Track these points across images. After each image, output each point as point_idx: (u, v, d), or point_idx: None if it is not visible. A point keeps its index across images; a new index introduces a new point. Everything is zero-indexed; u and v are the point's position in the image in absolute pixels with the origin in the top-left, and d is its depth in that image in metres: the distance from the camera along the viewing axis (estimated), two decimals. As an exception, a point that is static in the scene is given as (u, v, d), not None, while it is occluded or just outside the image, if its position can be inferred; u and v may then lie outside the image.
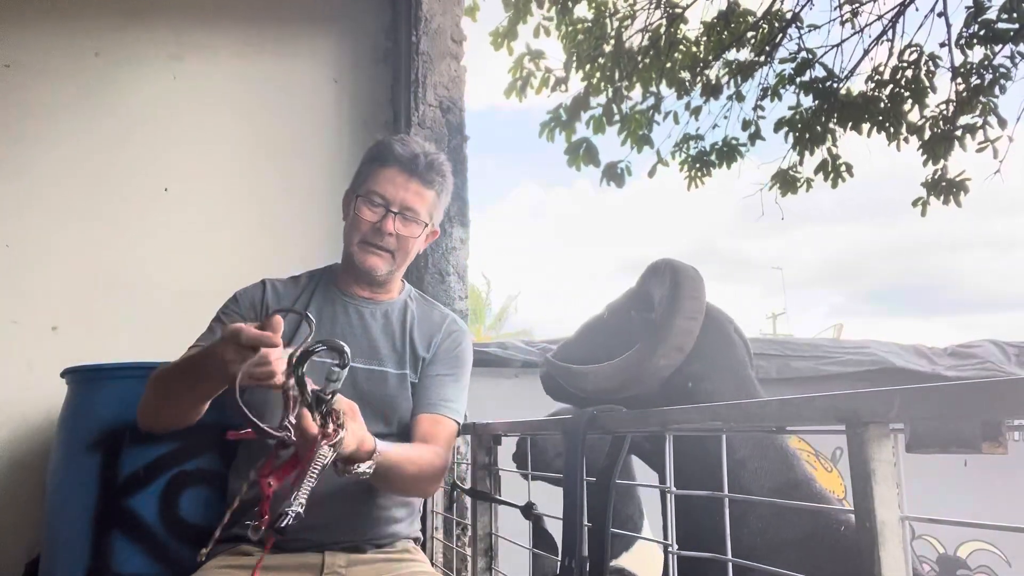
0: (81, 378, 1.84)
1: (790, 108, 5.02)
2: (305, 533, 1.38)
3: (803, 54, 4.84)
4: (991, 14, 4.26)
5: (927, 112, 4.69)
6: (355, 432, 1.16)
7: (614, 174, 4.94)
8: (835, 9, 4.81)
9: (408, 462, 1.36)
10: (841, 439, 0.75)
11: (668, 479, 1.03)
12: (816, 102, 4.86)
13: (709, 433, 1.03)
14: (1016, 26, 4.16)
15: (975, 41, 4.32)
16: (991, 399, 0.61)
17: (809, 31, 4.87)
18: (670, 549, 1.01)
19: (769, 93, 5.02)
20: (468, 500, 1.77)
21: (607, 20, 4.97)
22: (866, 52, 4.76)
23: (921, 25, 4.61)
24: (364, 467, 1.20)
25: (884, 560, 0.68)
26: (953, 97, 4.59)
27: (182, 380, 1.30)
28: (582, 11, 5.12)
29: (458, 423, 1.57)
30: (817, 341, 3.71)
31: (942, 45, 4.52)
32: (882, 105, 4.69)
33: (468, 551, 1.76)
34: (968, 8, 4.30)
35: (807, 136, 4.92)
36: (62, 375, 1.87)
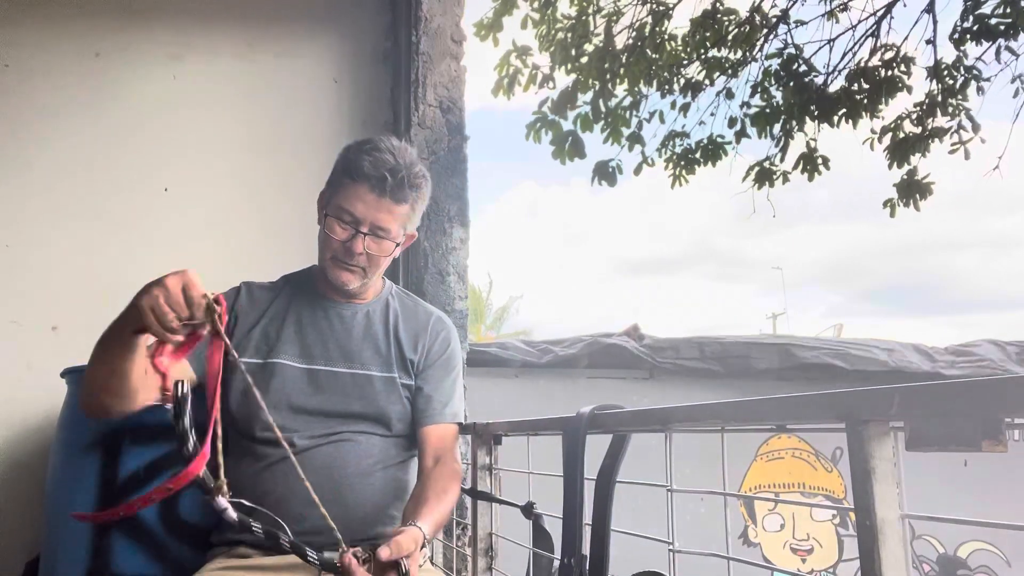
0: (81, 378, 1.84)
1: (762, 100, 5.01)
2: (304, 535, 1.38)
3: (790, 50, 4.84)
4: (987, 8, 4.28)
5: (898, 111, 4.71)
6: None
7: (605, 173, 4.93)
8: (820, 2, 4.82)
9: (445, 510, 1.40)
10: (841, 438, 0.75)
11: (668, 478, 1.03)
12: (795, 96, 4.86)
13: (709, 431, 1.03)
14: (1008, 20, 4.17)
15: (968, 37, 4.33)
16: (991, 397, 0.61)
17: (796, 27, 4.87)
18: (671, 548, 1.01)
19: (758, 90, 5.01)
20: (468, 500, 1.77)
21: (590, 18, 4.94)
22: (851, 50, 4.77)
23: (916, 22, 4.62)
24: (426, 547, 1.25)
25: (884, 558, 0.68)
26: (926, 99, 4.61)
27: (108, 336, 1.29)
28: (565, 7, 5.10)
29: (462, 422, 1.60)
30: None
31: (928, 42, 4.53)
32: (855, 98, 4.69)
33: (468, 551, 1.76)
34: (966, 1, 4.31)
35: (773, 126, 4.92)
36: (62, 375, 1.87)
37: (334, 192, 1.46)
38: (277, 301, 1.54)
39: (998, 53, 4.42)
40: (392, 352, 1.53)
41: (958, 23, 4.38)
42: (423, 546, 1.23)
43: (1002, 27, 4.24)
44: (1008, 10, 4.19)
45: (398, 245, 1.49)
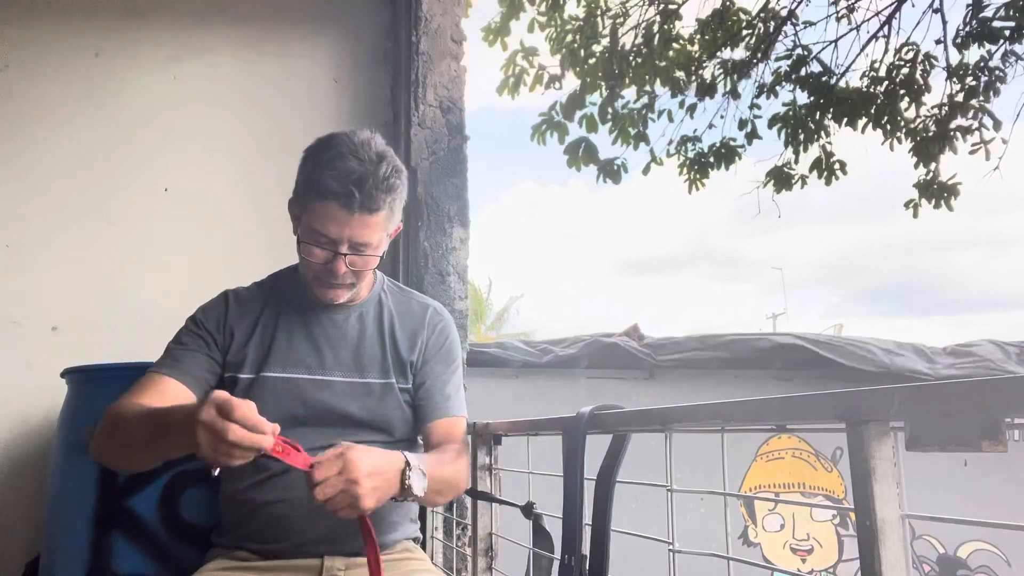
0: (81, 378, 1.84)
1: (784, 105, 5.01)
2: (304, 542, 1.37)
3: (799, 51, 4.84)
4: (990, 12, 4.27)
5: (922, 111, 4.69)
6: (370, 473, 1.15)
7: (610, 171, 4.93)
8: (831, 4, 4.81)
9: (450, 467, 1.35)
10: (841, 439, 0.75)
11: (668, 478, 1.03)
12: (811, 98, 4.86)
13: (709, 431, 1.03)
14: (1012, 24, 4.16)
15: (971, 40, 4.32)
16: (991, 397, 0.61)
17: (804, 27, 4.87)
18: (671, 548, 1.01)
19: (766, 91, 5.01)
20: (468, 500, 1.78)
21: (598, 19, 4.95)
22: (862, 49, 4.76)
23: (919, 22, 4.62)
24: (416, 483, 1.20)
25: (884, 558, 0.69)
26: (946, 100, 4.59)
27: (149, 434, 1.19)
28: (573, 9, 5.11)
29: (465, 416, 1.54)
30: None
31: (938, 42, 4.53)
32: (878, 102, 4.69)
33: (468, 551, 1.76)
34: (968, 5, 4.30)
35: (799, 132, 4.92)
36: (62, 375, 1.87)
37: (304, 209, 1.37)
38: (267, 309, 1.47)
39: (1004, 57, 4.41)
40: (389, 356, 1.46)
41: (960, 27, 4.37)
42: (410, 467, 1.20)
43: (1007, 31, 4.23)
44: (1013, 13, 4.18)
45: (381, 255, 1.40)
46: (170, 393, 1.33)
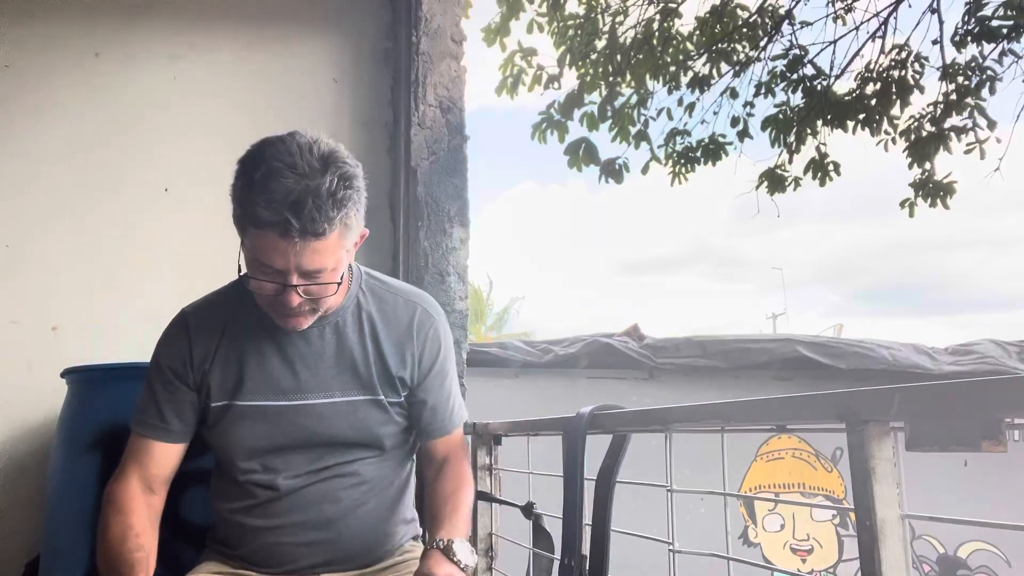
0: (81, 378, 1.84)
1: (775, 106, 5.02)
2: (301, 567, 1.35)
3: (795, 51, 4.84)
4: (989, 10, 4.27)
5: (912, 112, 4.70)
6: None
7: (612, 170, 4.94)
8: (828, 4, 4.82)
9: (467, 504, 1.35)
10: (841, 439, 0.75)
11: (668, 478, 1.03)
12: (804, 100, 4.87)
13: (710, 432, 1.03)
14: (1011, 23, 4.16)
15: (969, 39, 4.32)
16: (991, 397, 0.61)
17: (801, 27, 4.88)
18: (671, 548, 1.01)
19: (763, 90, 5.01)
20: (468, 500, 1.77)
21: (599, 16, 4.97)
22: (858, 51, 4.77)
23: (918, 23, 4.63)
24: (465, 555, 1.22)
25: (884, 558, 0.68)
26: (941, 98, 4.60)
27: None
28: (573, 7, 5.13)
29: (466, 418, 1.49)
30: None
31: (935, 43, 4.53)
32: (867, 103, 4.69)
33: (468, 551, 1.76)
34: (967, 3, 4.30)
35: (789, 134, 4.92)
36: (62, 375, 1.87)
37: (243, 231, 1.23)
38: (232, 326, 1.34)
39: (1002, 55, 4.41)
40: (374, 370, 1.32)
41: (959, 25, 4.37)
42: (455, 553, 1.21)
43: (1004, 29, 4.22)
44: (1011, 12, 4.18)
45: (340, 276, 1.24)
46: (160, 457, 1.32)
